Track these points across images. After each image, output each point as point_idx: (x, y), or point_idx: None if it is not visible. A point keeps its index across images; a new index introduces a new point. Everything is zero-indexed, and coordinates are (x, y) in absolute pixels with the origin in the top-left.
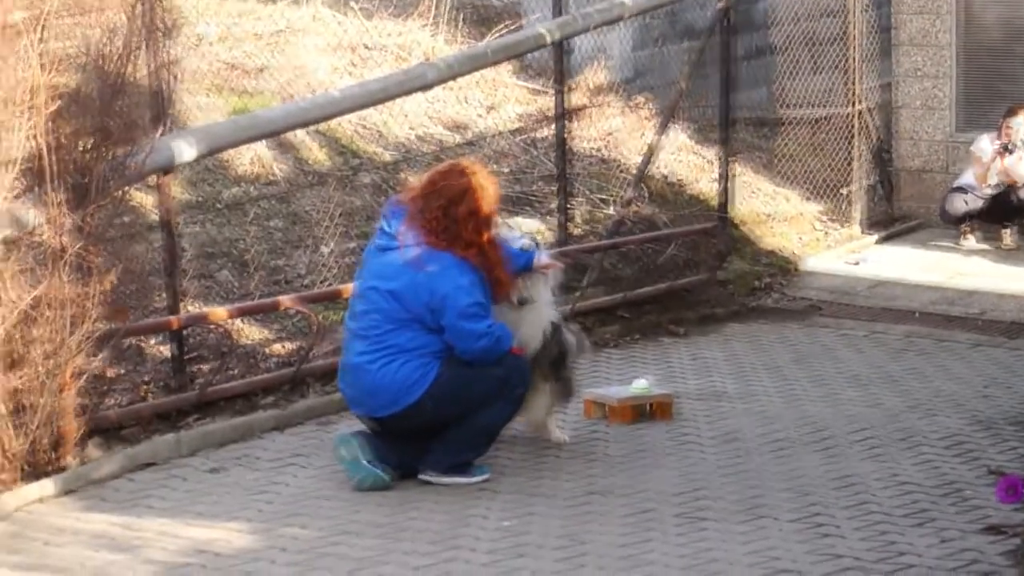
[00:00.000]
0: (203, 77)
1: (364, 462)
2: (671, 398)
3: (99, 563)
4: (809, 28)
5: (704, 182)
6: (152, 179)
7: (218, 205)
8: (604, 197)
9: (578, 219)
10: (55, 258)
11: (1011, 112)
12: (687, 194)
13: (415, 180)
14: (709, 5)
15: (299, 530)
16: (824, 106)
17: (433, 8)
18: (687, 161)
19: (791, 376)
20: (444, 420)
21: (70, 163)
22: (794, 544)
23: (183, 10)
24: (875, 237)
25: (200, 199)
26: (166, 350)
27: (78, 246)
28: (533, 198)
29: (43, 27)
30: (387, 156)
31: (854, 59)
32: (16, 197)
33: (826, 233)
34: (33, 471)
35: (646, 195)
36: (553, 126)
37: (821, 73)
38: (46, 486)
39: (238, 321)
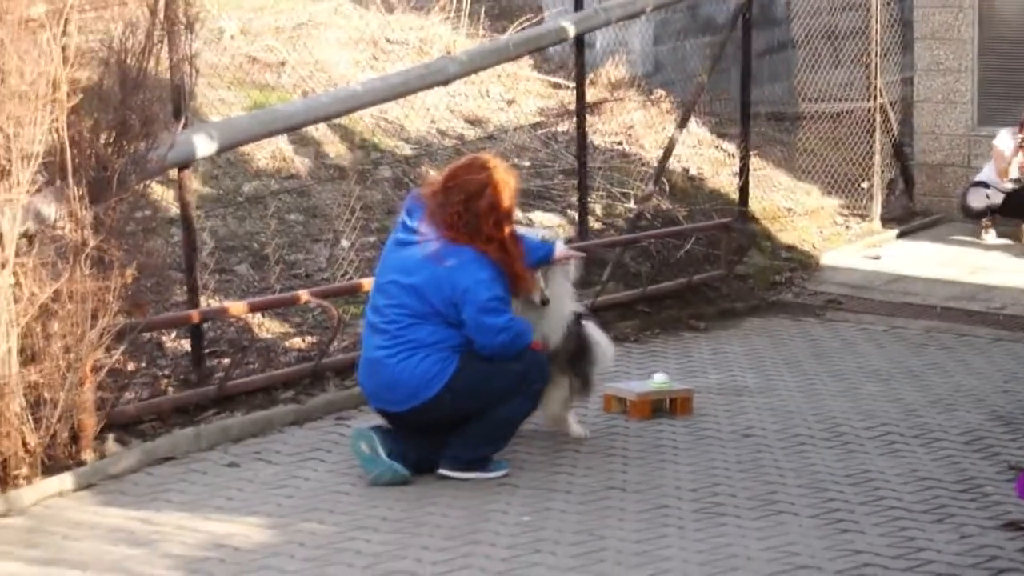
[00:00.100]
0: (223, 71)
1: (382, 456)
2: (691, 393)
3: (117, 557)
4: (830, 22)
5: (724, 176)
6: (172, 173)
7: (238, 199)
8: (623, 191)
9: (597, 213)
10: (75, 252)
11: None
12: (707, 188)
13: (435, 174)
14: None
15: (317, 525)
16: (844, 100)
17: (454, 2)
18: (707, 155)
19: (811, 371)
20: (463, 415)
21: (90, 157)
22: (813, 539)
23: (204, 4)
24: (895, 232)
25: (220, 193)
26: (185, 344)
27: (98, 240)
28: (553, 192)
29: (65, 21)
30: (407, 150)
31: (875, 53)
32: (37, 191)
33: (846, 227)
34: (52, 465)
35: (666, 189)
36: (573, 120)
37: (841, 67)
38: (65, 480)
39: (257, 315)
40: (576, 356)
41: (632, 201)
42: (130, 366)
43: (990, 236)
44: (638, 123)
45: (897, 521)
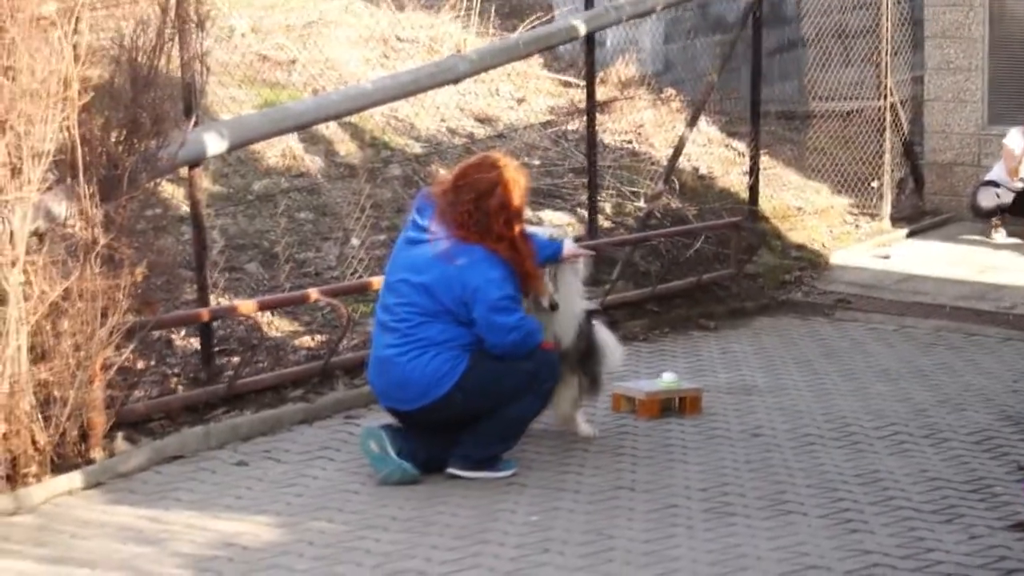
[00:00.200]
0: (234, 69)
1: (392, 455)
2: (700, 392)
3: (126, 556)
4: (840, 20)
5: (734, 175)
6: (182, 171)
7: (248, 197)
8: (633, 190)
9: (607, 212)
10: (86, 250)
11: None
12: (717, 187)
13: (445, 173)
14: None
15: (326, 524)
16: (854, 99)
17: (464, 0)
18: (717, 154)
19: (820, 370)
20: (473, 414)
21: (101, 155)
22: (822, 540)
23: (215, 2)
24: (905, 231)
25: (230, 191)
26: (195, 343)
27: (108, 238)
28: (563, 191)
29: (76, 19)
30: (417, 148)
31: (885, 52)
32: (48, 189)
33: (856, 227)
34: (61, 463)
35: (676, 188)
36: (583, 119)
37: (852, 66)
38: (74, 479)
39: (267, 313)
40: (586, 355)
41: (642, 200)
42: (140, 364)
43: (1000, 235)
44: (648, 122)
45: (906, 521)
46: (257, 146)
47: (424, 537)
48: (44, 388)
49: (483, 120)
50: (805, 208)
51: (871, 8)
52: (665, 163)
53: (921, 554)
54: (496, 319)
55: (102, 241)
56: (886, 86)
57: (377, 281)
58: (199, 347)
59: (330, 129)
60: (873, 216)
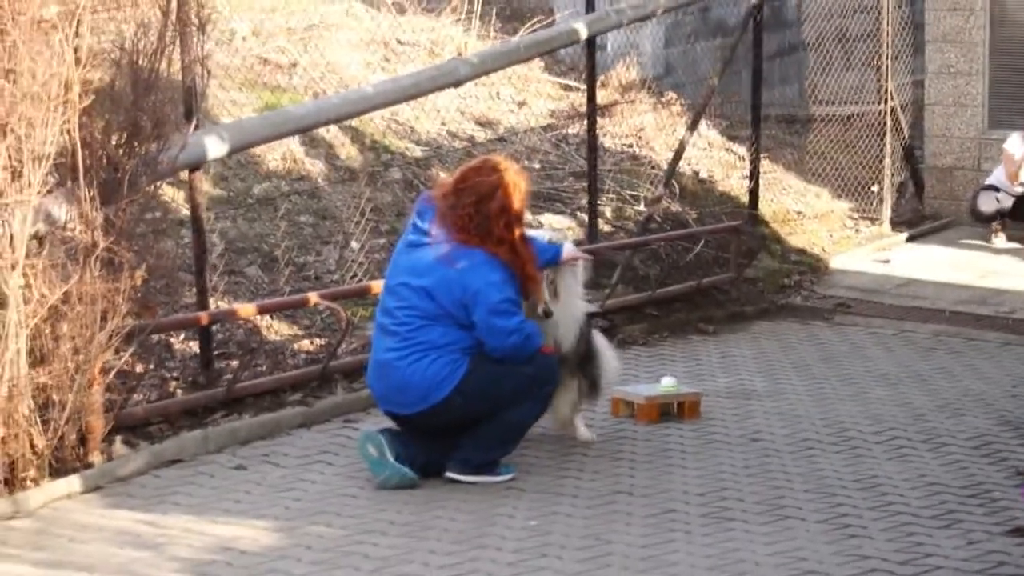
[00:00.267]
0: (235, 72)
1: (390, 460)
2: (699, 396)
3: (124, 560)
4: (841, 24)
5: (734, 179)
6: (183, 174)
7: (248, 200)
8: (633, 194)
9: (607, 216)
10: (85, 253)
11: None
12: (717, 191)
13: (445, 176)
14: (741, 2)
15: (324, 528)
16: (855, 103)
17: (465, 3)
18: (717, 158)
19: (819, 375)
20: (472, 418)
21: (102, 158)
22: (820, 545)
23: (216, 6)
24: (905, 235)
25: (230, 194)
26: (194, 346)
27: (108, 241)
28: (563, 194)
29: (77, 22)
30: (418, 152)
31: (886, 56)
32: (48, 192)
33: (856, 231)
34: (59, 467)
35: (676, 192)
36: (583, 122)
37: (852, 70)
38: (72, 483)
39: (266, 317)
40: (585, 359)
41: (642, 204)
42: (139, 368)
43: (1000, 240)
44: (649, 125)
45: (905, 526)
46: (257, 149)
47: (422, 542)
48: (43, 392)
49: (484, 124)
50: (805, 212)
51: (872, 12)
52: (665, 167)
53: (919, 559)
54: (496, 322)
55: (102, 244)
56: (887, 90)
57: (377, 285)
58: (198, 351)
59: (331, 132)
60: (873, 220)
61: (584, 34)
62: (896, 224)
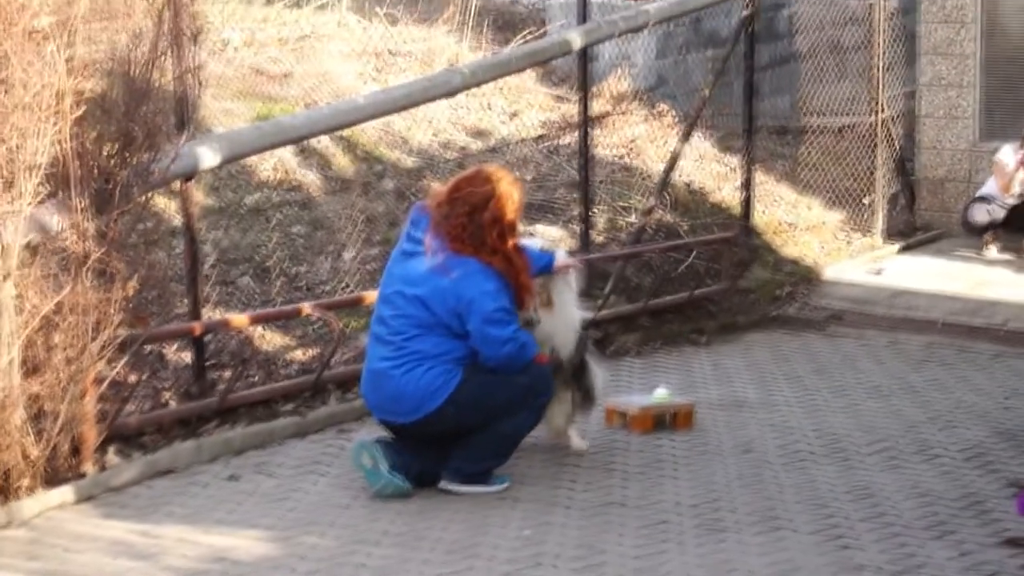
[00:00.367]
0: (228, 83)
1: (384, 470)
2: (692, 407)
3: (117, 570)
4: (833, 36)
5: (727, 190)
6: (175, 184)
7: (240, 211)
8: (626, 205)
9: (600, 226)
10: (78, 264)
11: None
12: (709, 202)
13: (439, 186)
14: (733, 13)
15: (318, 538)
16: (847, 114)
17: (458, 14)
18: (710, 169)
19: (812, 386)
20: (466, 427)
21: (94, 168)
22: (813, 555)
23: (208, 15)
24: (897, 246)
25: (223, 205)
26: (187, 356)
27: (101, 252)
28: (555, 205)
29: (70, 32)
30: (410, 162)
31: (878, 67)
32: (40, 202)
33: (848, 242)
34: (53, 477)
35: (669, 203)
36: (576, 133)
37: (844, 81)
38: (65, 492)
39: (259, 327)
40: (579, 369)
41: (634, 214)
42: (132, 378)
43: (992, 251)
44: (641, 136)
45: (897, 537)
46: (250, 160)
47: (416, 552)
48: (36, 402)
49: (476, 134)
50: (798, 223)
51: (864, 23)
52: (658, 178)
53: (912, 570)
54: (490, 331)
55: (94, 255)
56: (879, 102)
57: (369, 295)
58: (191, 361)
59: (323, 143)
60: (865, 231)
61: (577, 45)
62: (888, 235)
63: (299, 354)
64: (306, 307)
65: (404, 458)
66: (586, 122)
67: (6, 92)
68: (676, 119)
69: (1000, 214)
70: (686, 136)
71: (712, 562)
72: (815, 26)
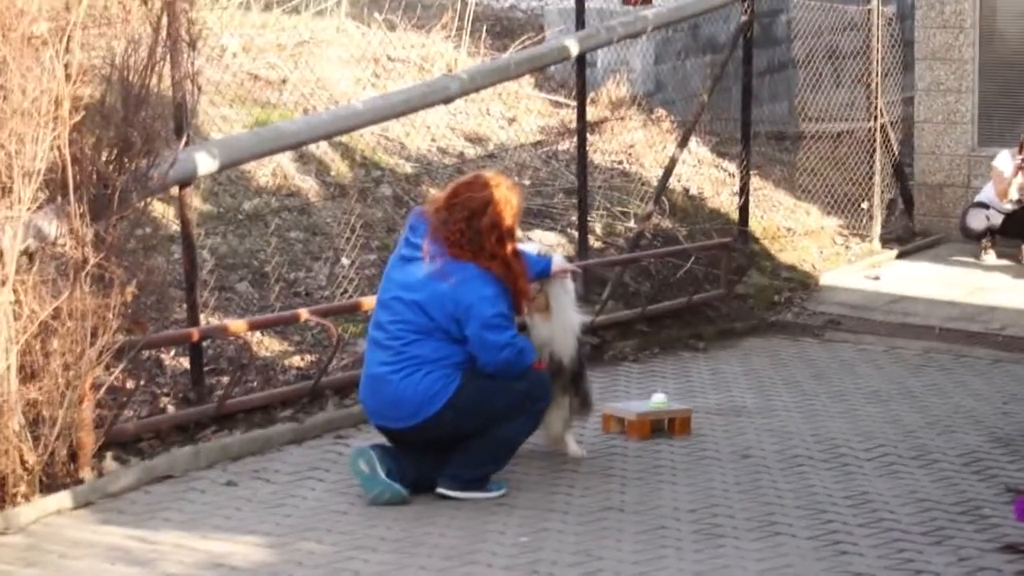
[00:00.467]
0: (225, 89)
1: (381, 476)
2: (690, 413)
3: None
4: (831, 42)
5: (724, 196)
6: (173, 190)
7: (238, 217)
8: (624, 210)
9: (598, 232)
10: (76, 269)
11: None
12: (707, 208)
13: (438, 191)
14: (731, 19)
15: (315, 544)
16: (845, 120)
17: (456, 20)
18: (707, 175)
19: (810, 391)
20: (464, 433)
21: (92, 174)
22: (811, 561)
23: (206, 21)
24: (895, 252)
25: (220, 210)
26: (184, 362)
27: (99, 257)
28: (553, 211)
29: (68, 38)
30: (408, 168)
31: (876, 73)
32: (38, 208)
33: (846, 248)
34: (50, 483)
35: (666, 209)
36: (574, 139)
37: (842, 87)
38: (63, 498)
39: (257, 333)
40: (577, 375)
41: (632, 220)
42: (129, 384)
43: (990, 257)
44: (639, 142)
45: (895, 543)
46: (248, 166)
47: (413, 558)
48: (33, 408)
49: (474, 140)
50: (795, 229)
51: (862, 29)
52: (656, 183)
53: None
54: (489, 336)
55: (92, 260)
56: (876, 107)
57: (367, 301)
58: (189, 367)
59: (321, 149)
60: (863, 237)
61: (575, 51)
62: (886, 241)
63: (297, 360)
64: (304, 313)
65: (401, 464)
66: (583, 128)
67: (4, 98)
68: (674, 124)
69: (998, 220)
70: (684, 142)
71: (710, 568)
72: (813, 32)
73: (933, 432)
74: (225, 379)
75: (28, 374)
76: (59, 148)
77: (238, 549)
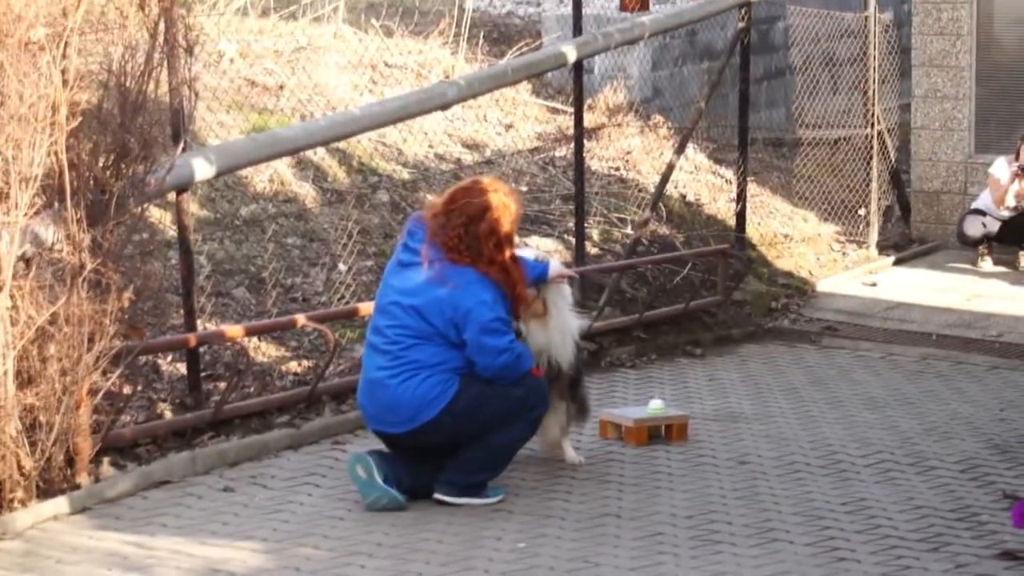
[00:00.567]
0: (222, 95)
1: (379, 481)
2: (687, 419)
3: None
4: (828, 48)
5: (722, 202)
6: (170, 196)
7: (236, 222)
8: (621, 217)
9: (595, 238)
10: (73, 275)
11: None
12: (704, 214)
13: (434, 198)
14: (728, 25)
15: (312, 550)
16: (842, 127)
17: (453, 26)
18: (705, 181)
19: (807, 398)
20: (461, 438)
21: (89, 180)
22: (808, 568)
23: (204, 27)
24: (892, 259)
25: (218, 216)
26: (182, 368)
27: (96, 263)
28: (550, 217)
29: (65, 44)
30: (405, 174)
31: (873, 80)
32: (35, 214)
33: (843, 254)
34: (47, 489)
35: (663, 215)
36: (571, 145)
37: (840, 94)
38: (60, 504)
39: (254, 339)
40: (575, 381)
41: (629, 226)
42: (126, 389)
43: (987, 264)
44: (636, 148)
45: (893, 550)
46: (245, 171)
47: (410, 564)
48: (30, 413)
49: (471, 146)
50: (792, 235)
51: (859, 36)
52: (653, 190)
53: None
54: (487, 341)
55: (89, 266)
56: (873, 114)
57: (364, 307)
58: (186, 372)
59: (318, 155)
60: (860, 244)
61: (572, 57)
62: (883, 248)
63: (294, 366)
64: (300, 319)
65: (398, 470)
66: (581, 134)
67: (1, 104)
68: (671, 131)
69: (995, 227)
70: (681, 148)
71: (707, 574)
72: (810, 39)
73: (930, 439)
74: (222, 385)
75: (25, 379)
76: (56, 154)
77: (235, 555)
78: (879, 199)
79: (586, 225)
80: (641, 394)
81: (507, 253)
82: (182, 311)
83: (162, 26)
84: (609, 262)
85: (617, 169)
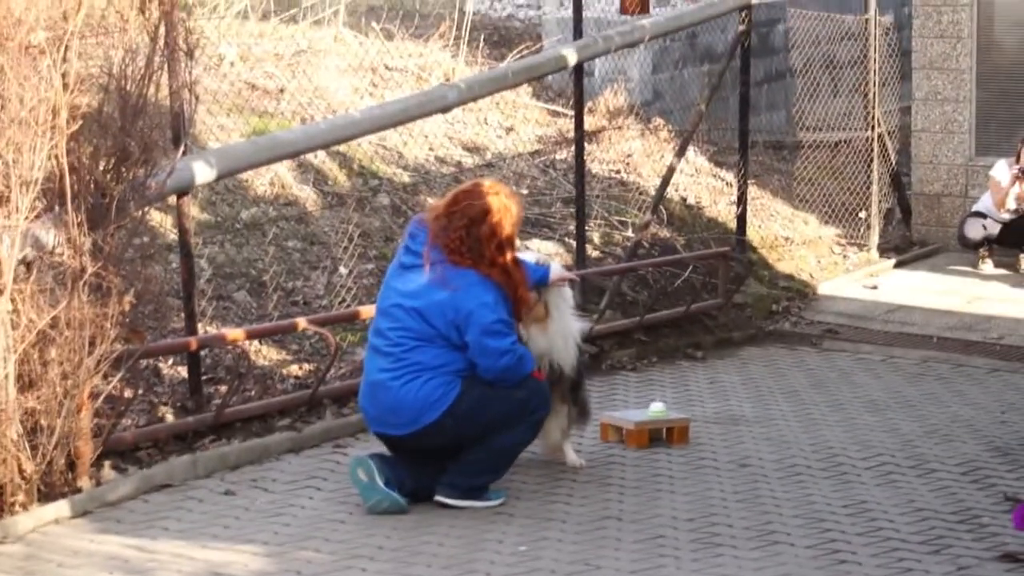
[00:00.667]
0: (223, 98)
1: (380, 484)
2: (688, 422)
3: None
4: (828, 51)
5: (722, 205)
6: (171, 199)
7: (236, 226)
8: (621, 220)
9: (595, 241)
10: (74, 278)
11: None
12: (705, 217)
13: (435, 200)
14: (728, 28)
15: (313, 553)
16: (843, 129)
17: (453, 29)
18: (705, 184)
19: (808, 400)
20: (463, 441)
21: (90, 183)
22: (810, 571)
23: (204, 30)
24: (892, 261)
25: (218, 219)
26: (182, 371)
27: (96, 266)
28: (551, 220)
29: (65, 47)
30: (405, 177)
31: (873, 82)
32: (36, 217)
33: (844, 257)
34: (48, 492)
35: (664, 218)
36: (571, 148)
37: (840, 96)
38: (61, 507)
39: (255, 342)
40: (576, 384)
41: (630, 229)
42: (127, 393)
43: (988, 266)
44: (636, 151)
45: (894, 552)
46: (245, 175)
47: (411, 567)
48: (31, 416)
49: (472, 149)
50: (793, 238)
51: (859, 39)
52: (653, 193)
53: None
54: (489, 343)
55: (90, 269)
56: (874, 117)
57: (365, 310)
58: (187, 376)
59: (319, 158)
60: (861, 246)
61: (572, 60)
62: (884, 250)
63: (295, 369)
64: (302, 322)
65: (400, 473)
66: (581, 137)
67: (2, 107)
68: (672, 134)
69: (995, 229)
70: (681, 151)
71: None
72: (810, 41)
73: (931, 441)
74: (223, 388)
75: (26, 383)
76: (57, 157)
77: (236, 558)
78: (880, 202)
79: (587, 228)
80: (642, 397)
81: (509, 255)
82: (183, 315)
83: (162, 30)
84: (610, 265)
85: (618, 172)
